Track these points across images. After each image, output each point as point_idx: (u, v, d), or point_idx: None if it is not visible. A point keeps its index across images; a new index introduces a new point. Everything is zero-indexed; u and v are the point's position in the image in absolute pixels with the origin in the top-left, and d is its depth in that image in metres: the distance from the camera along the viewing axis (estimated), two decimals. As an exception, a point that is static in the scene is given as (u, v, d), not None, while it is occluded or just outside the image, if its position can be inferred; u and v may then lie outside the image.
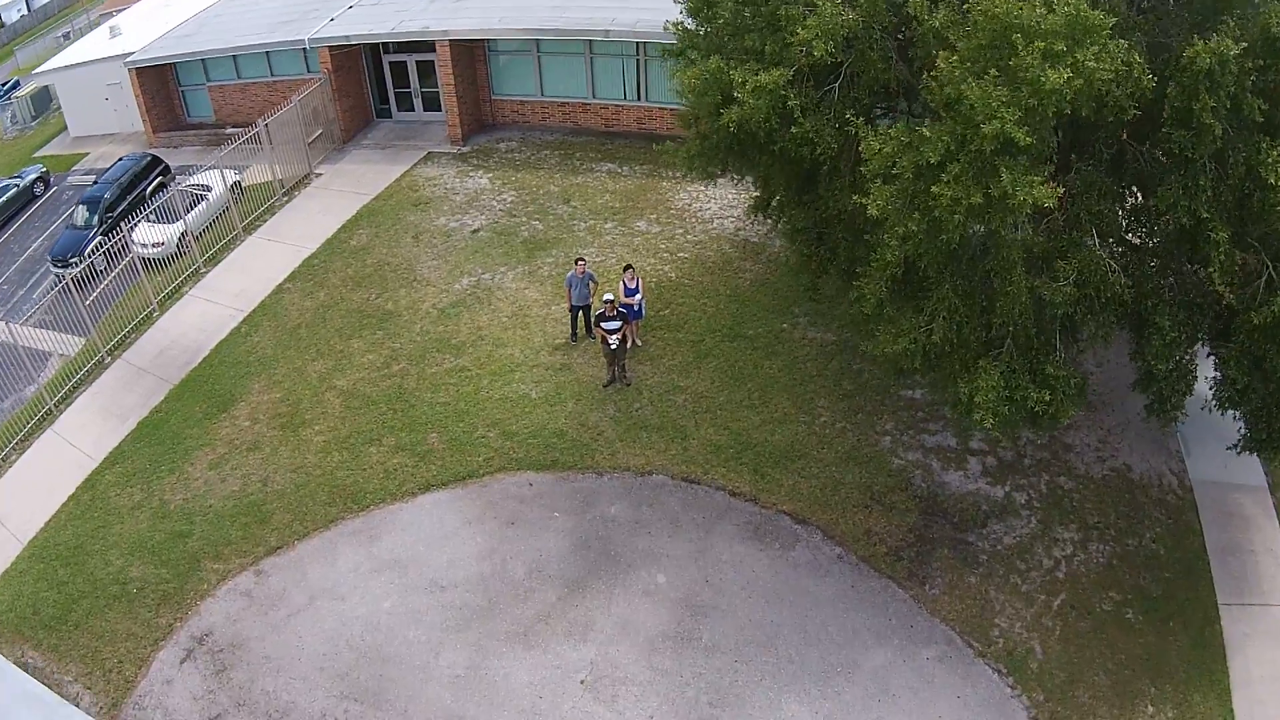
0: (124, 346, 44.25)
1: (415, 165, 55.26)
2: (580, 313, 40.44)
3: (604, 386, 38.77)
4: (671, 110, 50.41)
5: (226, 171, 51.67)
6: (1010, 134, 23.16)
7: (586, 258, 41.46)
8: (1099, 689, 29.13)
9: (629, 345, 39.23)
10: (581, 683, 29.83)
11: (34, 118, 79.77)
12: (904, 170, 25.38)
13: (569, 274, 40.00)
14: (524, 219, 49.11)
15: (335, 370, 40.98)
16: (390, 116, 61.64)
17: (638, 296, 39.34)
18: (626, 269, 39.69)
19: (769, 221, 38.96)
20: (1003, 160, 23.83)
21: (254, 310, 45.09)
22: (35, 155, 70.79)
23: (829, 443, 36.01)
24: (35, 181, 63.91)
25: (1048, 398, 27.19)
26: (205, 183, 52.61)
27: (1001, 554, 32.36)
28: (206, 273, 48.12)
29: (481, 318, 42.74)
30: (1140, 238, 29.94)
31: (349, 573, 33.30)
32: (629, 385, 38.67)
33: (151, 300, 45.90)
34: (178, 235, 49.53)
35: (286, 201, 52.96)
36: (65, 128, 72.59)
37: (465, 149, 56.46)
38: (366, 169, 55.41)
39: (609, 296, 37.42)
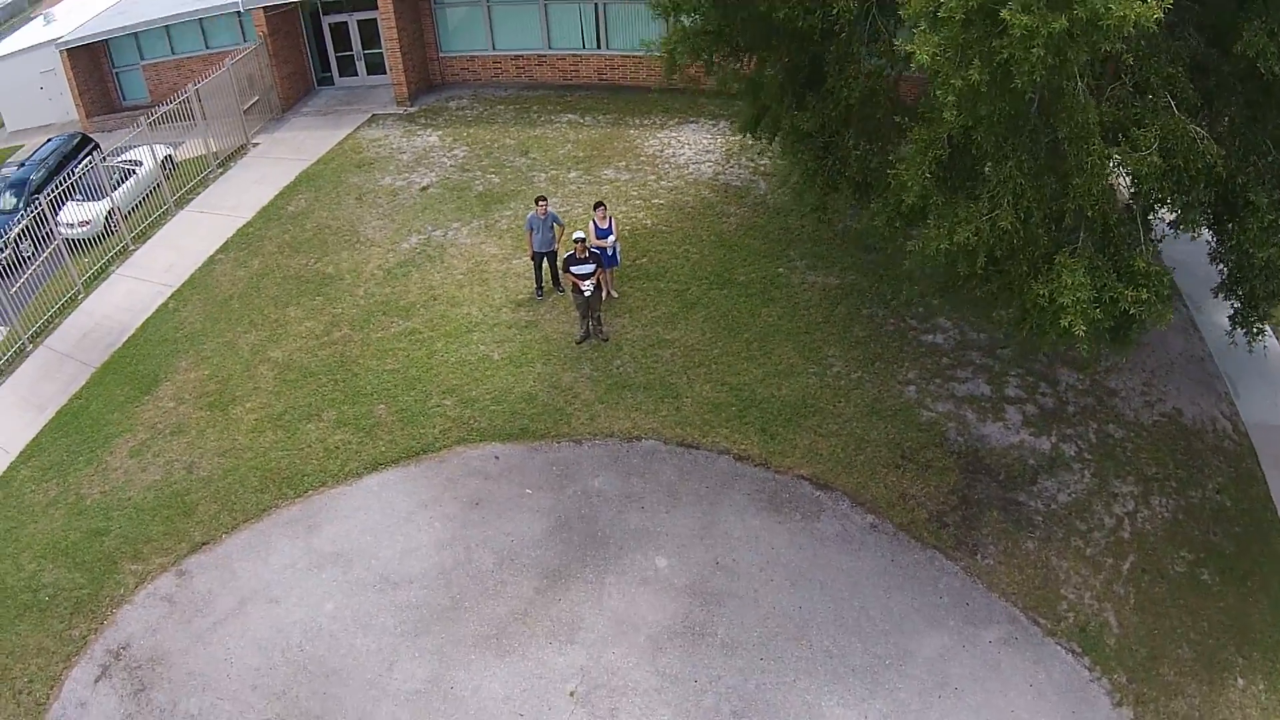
0: (46, 332, 38.31)
1: (359, 128, 49.12)
2: (544, 261, 33.90)
3: (577, 343, 32.20)
4: (635, 58, 46.38)
5: (157, 146, 45.84)
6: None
7: (549, 198, 34.85)
8: (1184, 663, 24.23)
9: (604, 295, 32.77)
10: (571, 694, 23.53)
11: (-29, 119, 73.43)
12: (952, 12, 19.68)
13: (529, 215, 33.50)
14: (478, 173, 42.82)
15: (269, 341, 34.69)
16: (332, 83, 55.35)
17: (611, 239, 32.77)
18: (597, 206, 33.01)
19: (761, 139, 33.11)
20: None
21: (183, 285, 38.99)
22: (-31, 153, 65.30)
23: (846, 395, 29.94)
24: (-32, 174, 58.24)
25: (1145, 296, 21.77)
26: (134, 158, 46.73)
27: (1058, 514, 26.98)
28: (135, 250, 42.23)
29: (433, 276, 36.35)
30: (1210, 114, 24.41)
31: (284, 570, 26.95)
32: (606, 340, 32.14)
33: (76, 282, 40.17)
34: (104, 213, 43.64)
35: (221, 173, 46.89)
36: (2, 124, 66.60)
37: (412, 109, 50.24)
38: (306, 135, 49.33)
39: (579, 235, 30.96)
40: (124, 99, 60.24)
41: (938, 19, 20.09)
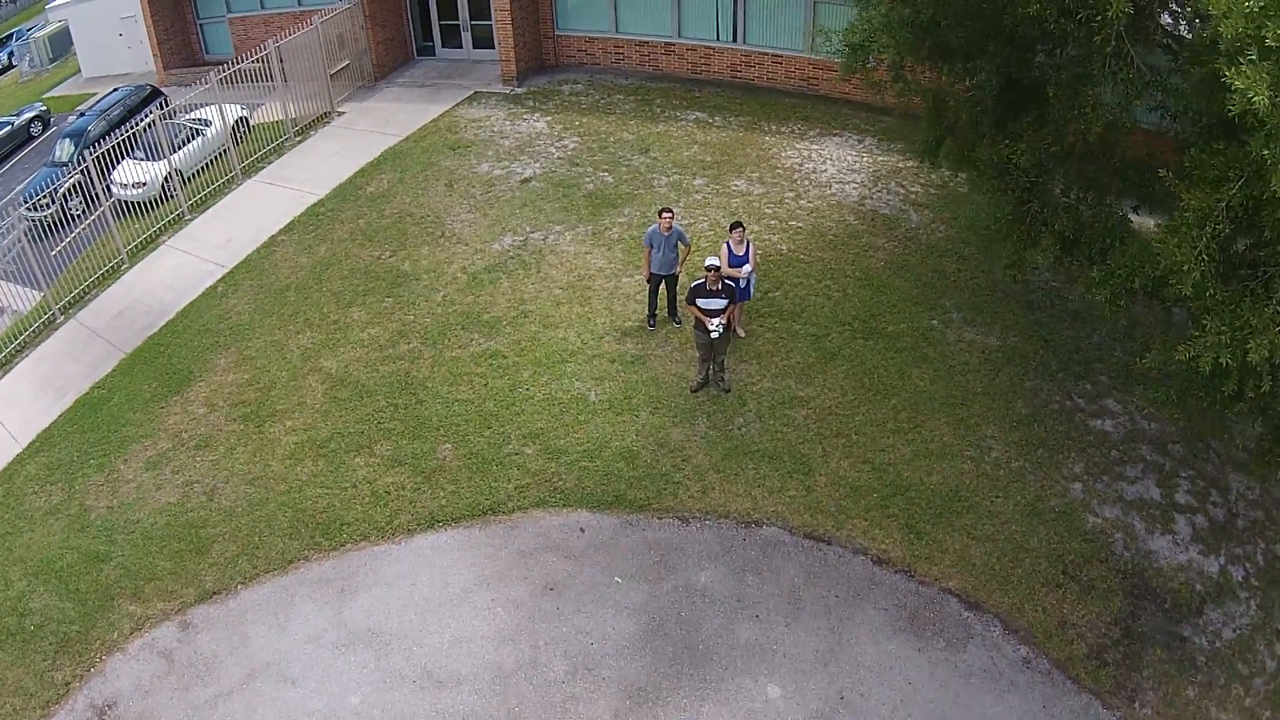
0: (80, 304, 35.68)
1: (457, 105, 45.36)
2: (662, 284, 29.38)
3: (692, 390, 27.61)
4: (773, 56, 42.49)
5: (230, 106, 43.17)
6: None
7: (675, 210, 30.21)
8: None
9: (731, 334, 27.94)
10: None
11: (51, 60, 72.88)
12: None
13: (650, 229, 28.86)
14: (589, 169, 38.52)
15: (324, 346, 30.82)
16: (433, 54, 51.89)
17: (747, 268, 27.92)
18: (734, 228, 28.09)
19: (941, 168, 28.63)
20: None
21: (237, 266, 35.63)
22: (44, 97, 63.72)
23: (1004, 489, 25.11)
24: (32, 120, 56.97)
25: None
26: (204, 118, 44.08)
27: (1221, 654, 22.67)
28: (191, 220, 39.25)
29: (526, 287, 32.08)
30: None
31: (305, 643, 22.90)
32: (728, 391, 27.53)
33: (121, 250, 37.42)
34: (163, 176, 40.70)
35: (299, 142, 43.61)
36: (78, 70, 66.27)
37: (520, 90, 46.45)
38: (398, 108, 45.88)
39: (713, 261, 26.18)
40: (206, 52, 58.62)
41: (1267, 48, 15.07)
